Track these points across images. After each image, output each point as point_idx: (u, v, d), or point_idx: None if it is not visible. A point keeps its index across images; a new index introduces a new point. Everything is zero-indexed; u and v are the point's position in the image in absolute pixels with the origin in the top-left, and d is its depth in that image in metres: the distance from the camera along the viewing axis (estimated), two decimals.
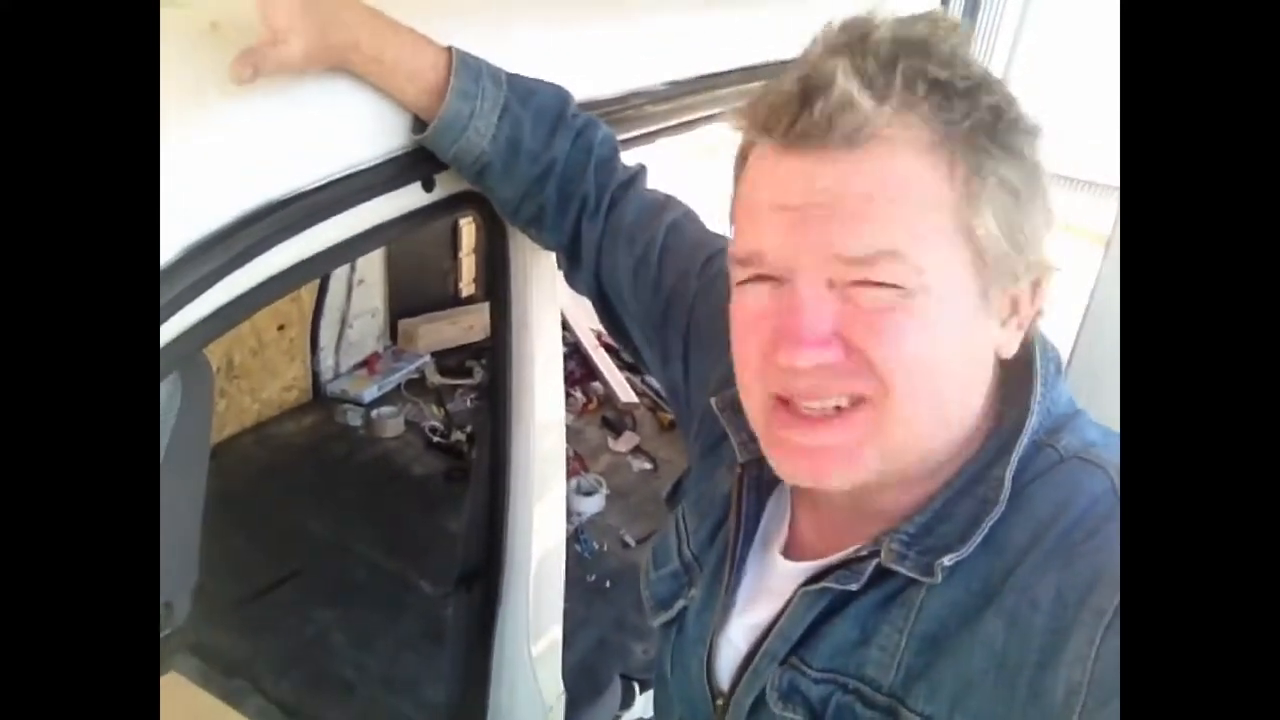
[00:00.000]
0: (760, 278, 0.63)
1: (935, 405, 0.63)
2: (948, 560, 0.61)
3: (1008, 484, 0.62)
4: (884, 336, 0.59)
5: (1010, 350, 0.66)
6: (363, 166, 0.88)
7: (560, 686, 1.43)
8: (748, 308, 0.64)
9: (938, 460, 0.65)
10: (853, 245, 0.58)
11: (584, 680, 1.94)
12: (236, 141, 0.78)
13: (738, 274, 0.65)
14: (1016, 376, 0.67)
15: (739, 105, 0.65)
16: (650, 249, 0.97)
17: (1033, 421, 0.64)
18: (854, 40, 0.59)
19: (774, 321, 0.62)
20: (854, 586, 0.65)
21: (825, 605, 0.67)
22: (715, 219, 0.96)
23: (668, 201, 1.02)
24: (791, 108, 0.59)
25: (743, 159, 0.67)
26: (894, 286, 0.58)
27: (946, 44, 0.60)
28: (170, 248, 0.71)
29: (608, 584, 2.32)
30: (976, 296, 0.61)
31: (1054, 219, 0.64)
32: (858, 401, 0.61)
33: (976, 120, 0.59)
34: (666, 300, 0.95)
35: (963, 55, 0.61)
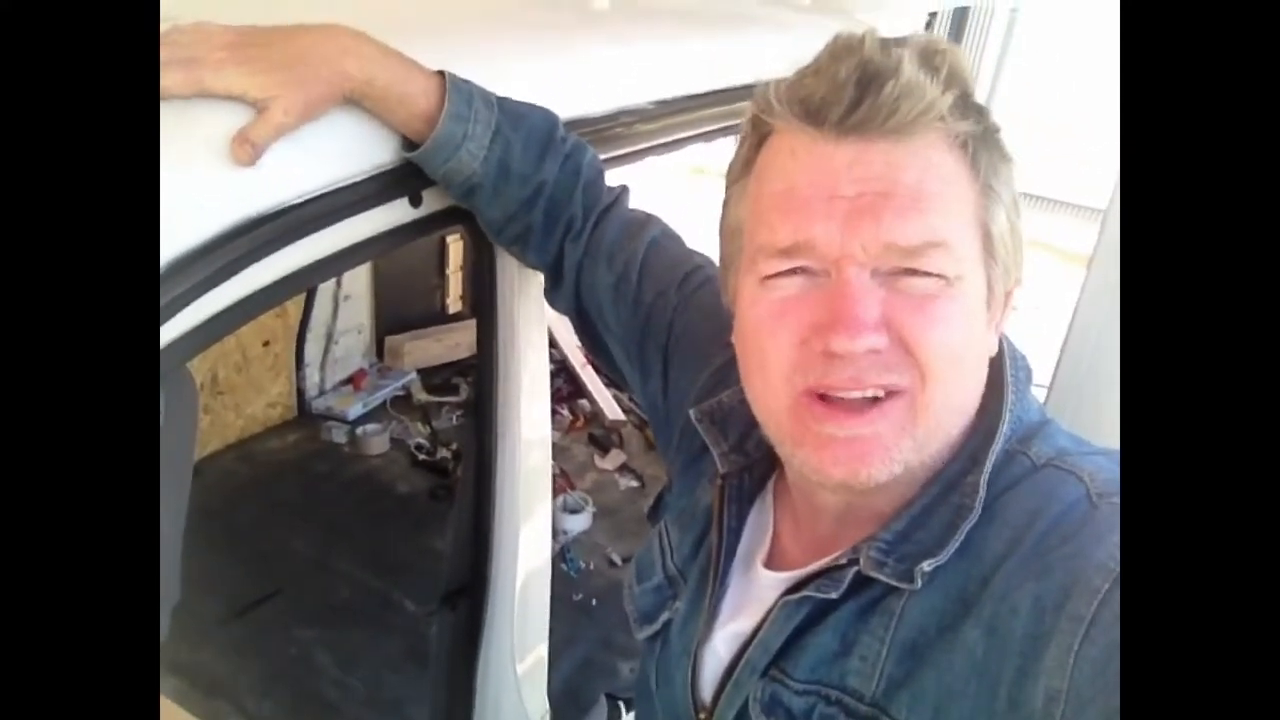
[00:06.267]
0: (795, 270, 0.63)
1: (962, 397, 0.65)
2: (927, 566, 0.62)
3: (983, 489, 0.63)
4: (930, 323, 0.60)
5: (994, 349, 0.68)
6: (349, 181, 0.88)
7: (546, 706, 1.42)
8: (777, 301, 0.63)
9: (934, 460, 0.66)
10: (907, 234, 0.59)
11: (570, 700, 1.93)
12: (221, 155, 0.77)
13: (771, 266, 0.63)
14: (986, 385, 0.68)
15: (766, 94, 0.64)
16: (630, 267, 0.98)
17: (1005, 428, 0.65)
18: (894, 41, 0.61)
19: (815, 310, 0.61)
20: (834, 595, 0.66)
21: (805, 615, 0.67)
22: (700, 238, 0.97)
23: (648, 220, 1.03)
24: (849, 94, 0.59)
25: (753, 152, 0.67)
26: (938, 276, 0.60)
27: (961, 58, 0.62)
28: None
29: (594, 603, 2.31)
30: (987, 292, 0.64)
31: None
32: (891, 394, 0.62)
33: (987, 126, 0.63)
34: (646, 316, 0.96)
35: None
